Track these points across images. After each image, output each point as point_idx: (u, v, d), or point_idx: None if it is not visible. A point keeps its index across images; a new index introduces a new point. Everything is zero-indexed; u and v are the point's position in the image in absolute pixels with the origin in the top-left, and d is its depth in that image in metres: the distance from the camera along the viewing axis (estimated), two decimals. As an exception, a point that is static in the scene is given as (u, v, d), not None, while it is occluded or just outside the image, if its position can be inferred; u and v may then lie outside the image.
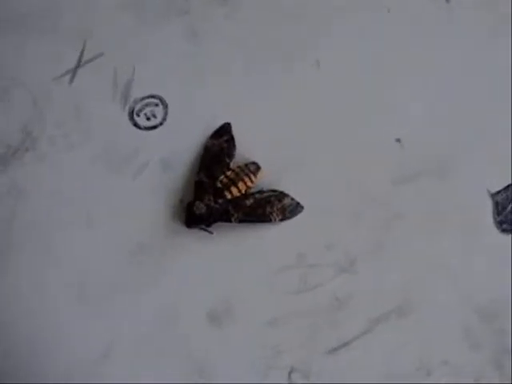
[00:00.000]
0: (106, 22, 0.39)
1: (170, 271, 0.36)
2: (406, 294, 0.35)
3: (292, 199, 0.36)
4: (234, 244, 0.36)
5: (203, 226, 0.35)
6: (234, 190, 0.36)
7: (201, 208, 0.35)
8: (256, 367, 0.34)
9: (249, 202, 0.36)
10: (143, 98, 0.38)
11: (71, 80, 0.38)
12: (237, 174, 0.36)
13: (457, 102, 0.38)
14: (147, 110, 0.38)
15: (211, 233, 0.36)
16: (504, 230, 0.37)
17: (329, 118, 0.38)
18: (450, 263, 0.36)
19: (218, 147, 0.37)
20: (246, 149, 0.37)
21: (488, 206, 0.37)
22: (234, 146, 0.38)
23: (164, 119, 0.38)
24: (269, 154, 0.37)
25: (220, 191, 0.36)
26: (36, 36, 0.38)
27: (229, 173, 0.36)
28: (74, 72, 0.38)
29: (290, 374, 0.34)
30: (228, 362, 0.34)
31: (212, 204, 0.35)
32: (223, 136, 0.38)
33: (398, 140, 0.38)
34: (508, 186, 0.37)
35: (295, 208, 0.36)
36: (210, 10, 0.40)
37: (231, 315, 0.35)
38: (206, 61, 0.39)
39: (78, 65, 0.38)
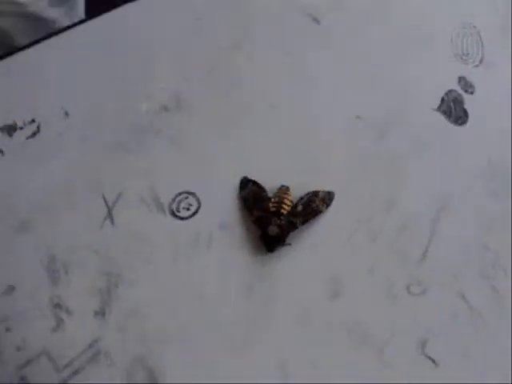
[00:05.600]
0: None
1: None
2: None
3: (323, 191, 0.46)
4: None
5: (281, 244, 0.44)
6: (286, 206, 0.45)
7: (274, 230, 0.43)
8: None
9: (300, 208, 0.45)
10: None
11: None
12: (279, 196, 0.45)
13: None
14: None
15: (290, 244, 0.44)
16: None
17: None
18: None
19: (251, 192, 0.46)
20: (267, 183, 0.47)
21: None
22: (260, 185, 0.46)
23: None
24: (287, 177, 0.47)
25: (277, 211, 0.44)
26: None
27: (273, 199, 0.45)
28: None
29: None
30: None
31: (279, 222, 0.44)
32: (248, 184, 0.47)
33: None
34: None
35: (329, 195, 0.46)
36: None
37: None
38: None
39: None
